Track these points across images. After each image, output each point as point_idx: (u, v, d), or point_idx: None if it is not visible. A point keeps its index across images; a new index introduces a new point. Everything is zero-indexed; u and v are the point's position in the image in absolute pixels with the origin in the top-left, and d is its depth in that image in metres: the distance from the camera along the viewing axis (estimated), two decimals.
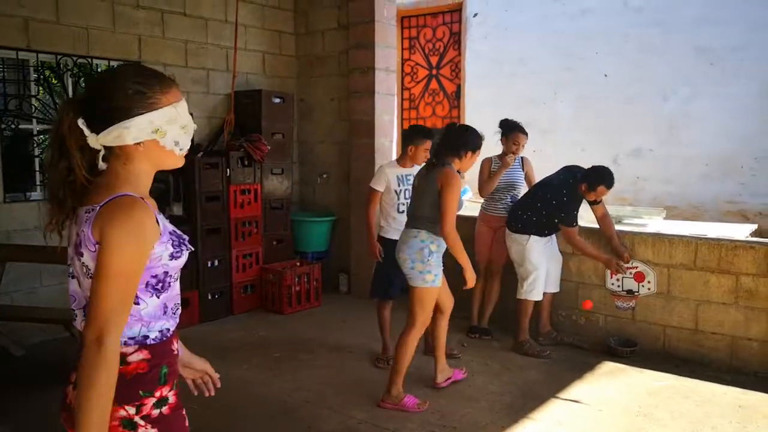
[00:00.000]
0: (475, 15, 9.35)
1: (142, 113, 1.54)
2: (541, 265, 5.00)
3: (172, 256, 1.60)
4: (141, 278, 1.54)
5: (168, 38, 5.97)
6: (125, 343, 1.55)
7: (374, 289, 4.89)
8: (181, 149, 1.64)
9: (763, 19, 7.26)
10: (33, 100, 5.28)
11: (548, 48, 8.65)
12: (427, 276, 3.97)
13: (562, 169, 5.15)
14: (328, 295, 6.51)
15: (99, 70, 5.61)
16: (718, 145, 7.54)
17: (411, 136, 4.76)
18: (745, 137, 7.38)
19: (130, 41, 5.67)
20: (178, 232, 1.65)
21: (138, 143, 1.56)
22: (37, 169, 5.33)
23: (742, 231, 5.40)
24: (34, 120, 5.25)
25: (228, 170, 5.98)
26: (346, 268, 6.74)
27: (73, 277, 1.62)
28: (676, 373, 4.59)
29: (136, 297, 1.54)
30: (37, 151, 5.31)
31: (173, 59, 6.00)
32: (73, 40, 5.29)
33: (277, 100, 6.61)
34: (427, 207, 3.93)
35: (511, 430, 3.74)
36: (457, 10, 9.59)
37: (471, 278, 4.07)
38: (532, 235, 4.96)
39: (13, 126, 5.08)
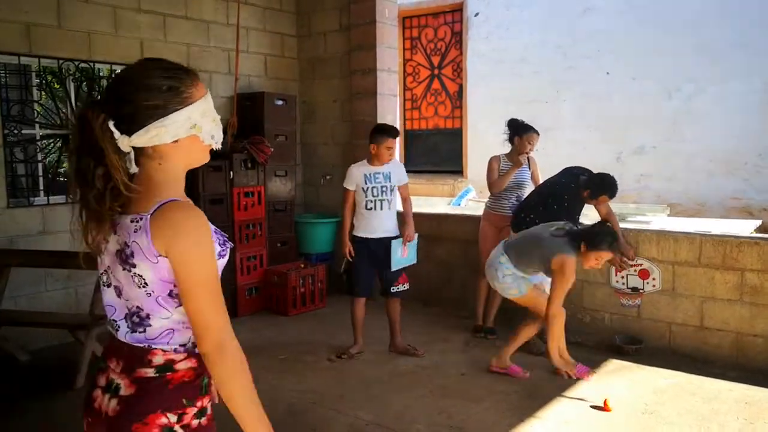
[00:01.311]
0: (477, 14, 9.36)
1: (179, 109, 1.49)
2: None
3: (219, 255, 1.56)
4: (170, 287, 1.51)
5: (170, 42, 5.99)
6: (175, 350, 1.53)
7: (350, 287, 5.00)
8: (216, 142, 1.60)
9: (764, 16, 7.25)
10: (36, 106, 5.29)
11: (550, 47, 8.65)
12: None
13: (563, 170, 5.09)
14: (333, 296, 6.50)
15: (101, 74, 5.63)
16: (721, 141, 7.53)
17: (372, 134, 4.92)
18: (748, 133, 7.38)
19: (132, 45, 5.68)
20: (219, 230, 1.62)
21: (175, 141, 1.51)
22: (41, 174, 5.34)
23: (746, 227, 5.40)
24: (37, 125, 5.26)
25: (231, 173, 5.99)
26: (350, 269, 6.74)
27: (109, 285, 1.56)
28: (681, 371, 4.58)
29: (165, 309, 1.52)
30: (40, 156, 5.32)
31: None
32: (75, 44, 5.30)
33: (280, 102, 6.61)
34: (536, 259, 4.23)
35: (517, 429, 3.73)
36: (459, 10, 9.60)
37: None
38: None
39: (16, 131, 5.09)
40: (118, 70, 5.78)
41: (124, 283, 1.52)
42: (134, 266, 1.47)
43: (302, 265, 6.43)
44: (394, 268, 4.84)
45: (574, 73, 8.47)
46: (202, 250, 1.46)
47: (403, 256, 4.92)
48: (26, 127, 5.19)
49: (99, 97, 1.53)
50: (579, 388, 4.30)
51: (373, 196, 4.83)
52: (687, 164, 7.73)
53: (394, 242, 4.83)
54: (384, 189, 4.86)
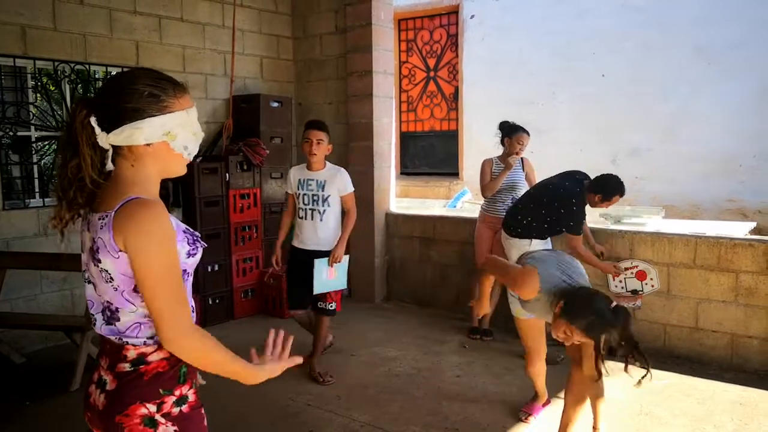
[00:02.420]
0: (473, 17, 9.38)
1: (156, 115, 1.58)
2: None
3: (189, 254, 1.64)
4: (135, 283, 1.58)
5: (165, 44, 5.98)
6: (144, 343, 1.60)
7: (288, 300, 4.73)
8: (189, 154, 1.67)
9: (761, 18, 7.28)
10: (31, 108, 5.29)
11: (546, 48, 8.67)
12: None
13: (563, 174, 4.94)
14: None
15: (97, 76, 5.62)
16: (717, 143, 7.55)
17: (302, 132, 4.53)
18: (744, 135, 7.40)
19: (127, 47, 5.68)
20: (191, 229, 1.69)
21: (148, 144, 1.58)
22: (36, 176, 5.34)
23: (741, 229, 5.42)
24: (32, 127, 5.26)
25: (227, 175, 5.99)
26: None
27: (89, 282, 1.66)
28: (676, 372, 4.60)
29: (131, 304, 1.59)
30: (35, 158, 5.31)
31: (171, 65, 6.00)
32: (71, 46, 5.29)
33: (276, 104, 6.61)
34: None
35: (513, 430, 3.74)
36: (454, 12, 9.62)
37: None
38: (533, 239, 4.83)
39: (11, 133, 5.08)
40: (114, 72, 5.80)
41: (96, 278, 1.61)
42: (100, 261, 1.56)
43: None
44: (316, 291, 4.35)
45: (570, 75, 8.49)
46: (158, 245, 1.52)
47: (329, 278, 4.40)
48: (21, 129, 5.19)
49: (90, 96, 1.64)
50: None
51: (304, 204, 4.47)
52: (683, 166, 7.76)
53: (318, 261, 4.33)
54: (315, 198, 4.44)
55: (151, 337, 1.60)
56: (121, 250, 1.52)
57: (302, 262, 4.42)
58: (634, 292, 5.04)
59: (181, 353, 1.57)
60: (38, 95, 5.44)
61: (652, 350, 4.95)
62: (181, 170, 1.70)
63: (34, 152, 5.29)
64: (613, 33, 8.16)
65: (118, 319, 1.60)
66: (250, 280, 6.22)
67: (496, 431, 3.73)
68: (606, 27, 8.21)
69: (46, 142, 5.33)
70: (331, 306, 4.46)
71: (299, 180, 4.50)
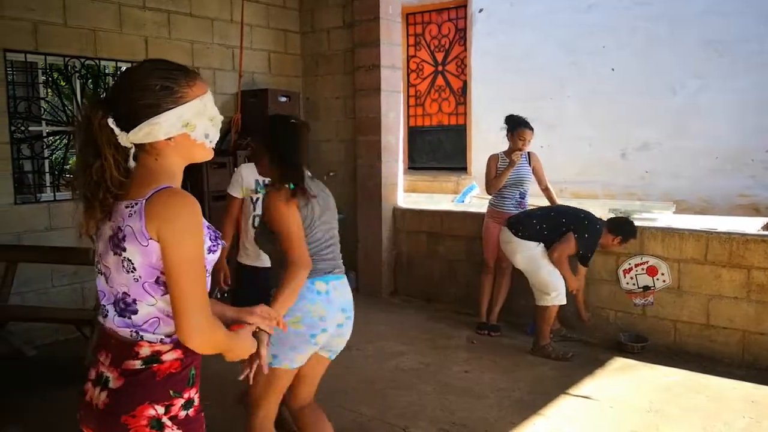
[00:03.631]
0: (481, 10, 9.33)
1: (171, 108, 1.55)
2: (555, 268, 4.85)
3: (210, 250, 1.61)
4: (158, 273, 1.55)
5: (174, 39, 5.99)
6: (161, 341, 1.56)
7: None
8: (210, 141, 1.65)
9: None
10: (42, 103, 5.31)
11: (554, 43, 8.63)
12: None
13: (582, 213, 4.90)
14: None
15: (107, 71, 5.63)
16: (727, 138, 7.50)
17: None
18: (755, 129, 7.34)
19: (136, 42, 5.69)
20: (212, 226, 1.67)
21: (169, 138, 1.56)
22: (47, 171, 5.36)
23: (753, 224, 5.37)
24: (44, 122, 5.28)
25: (235, 169, 5.99)
26: (353, 266, 6.75)
27: (100, 273, 1.62)
28: (687, 369, 4.57)
29: (151, 296, 1.56)
30: (46, 153, 5.34)
31: (180, 59, 5.92)
32: (81, 42, 5.31)
33: (284, 99, 6.61)
34: None
35: (520, 426, 3.73)
36: (463, 6, 9.58)
37: None
38: (541, 243, 4.81)
39: (22, 128, 5.11)
40: (123, 68, 5.81)
41: (113, 268, 1.56)
42: (124, 250, 1.52)
43: None
44: None
45: (579, 70, 8.45)
46: (191, 235, 1.51)
47: None
48: (33, 123, 5.21)
49: (104, 95, 1.61)
50: (583, 386, 4.29)
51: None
52: (692, 161, 7.70)
53: None
54: None
55: (169, 336, 1.57)
56: (151, 239, 1.49)
57: (258, 283, 3.47)
58: (646, 288, 5.02)
59: (202, 346, 1.54)
60: (49, 90, 5.47)
61: (662, 347, 4.94)
62: (207, 156, 1.67)
63: (45, 147, 5.31)
64: (621, 27, 8.11)
65: (135, 312, 1.55)
66: None
67: (503, 427, 3.73)
68: (614, 21, 8.16)
69: (57, 137, 5.35)
70: None
71: (256, 180, 3.62)
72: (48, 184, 5.36)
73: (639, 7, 7.98)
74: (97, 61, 5.45)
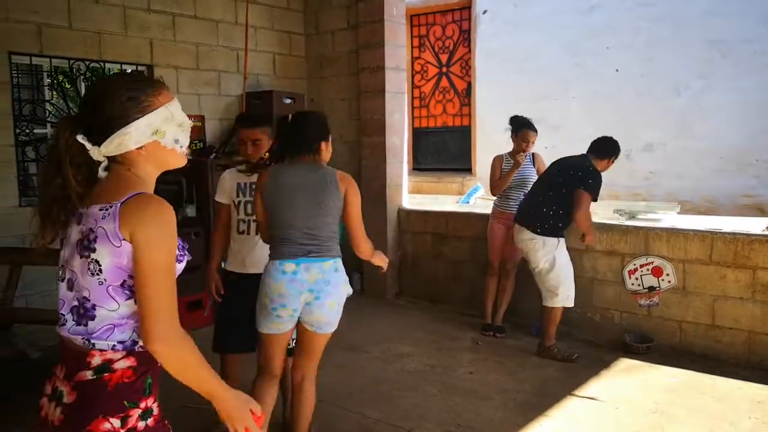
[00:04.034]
0: (485, 12, 9.33)
1: (139, 117, 1.56)
2: (571, 268, 4.84)
3: (177, 259, 1.61)
4: (125, 277, 1.55)
5: (179, 41, 6.01)
6: (113, 348, 1.53)
7: (214, 338, 3.55)
8: (181, 146, 1.66)
9: None
10: (47, 105, 5.33)
11: (558, 44, 8.62)
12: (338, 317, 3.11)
13: (562, 167, 4.87)
14: None
15: (111, 74, 5.65)
16: (732, 138, 7.48)
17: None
18: (759, 130, 7.33)
19: (141, 45, 5.70)
20: (180, 239, 1.67)
21: (140, 147, 1.58)
22: None
23: (758, 225, 5.35)
24: (49, 125, 5.30)
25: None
26: (358, 267, 6.75)
27: (63, 280, 1.62)
28: (692, 369, 4.56)
29: (114, 301, 1.54)
30: None
31: (185, 62, 6.03)
32: (86, 44, 5.33)
33: (288, 101, 6.62)
34: (334, 222, 3.04)
35: (526, 427, 3.73)
36: (467, 8, 9.58)
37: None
38: (561, 238, 4.78)
39: (27, 131, 5.12)
40: (129, 70, 5.83)
41: (78, 272, 1.56)
42: (93, 251, 1.52)
43: None
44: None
45: (583, 70, 8.44)
46: (165, 241, 1.53)
47: None
48: (38, 126, 5.24)
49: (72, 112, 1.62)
50: (589, 387, 4.29)
51: (246, 214, 3.47)
52: (697, 161, 7.69)
53: None
54: None
55: (122, 342, 1.54)
56: (124, 239, 1.50)
57: (243, 291, 3.32)
58: (651, 288, 5.01)
59: (168, 355, 1.50)
60: (54, 93, 5.49)
61: (667, 347, 4.92)
62: (180, 162, 1.69)
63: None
64: (625, 28, 8.10)
65: (93, 318, 1.54)
66: None
67: (509, 428, 3.72)
68: (617, 22, 8.15)
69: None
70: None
71: (238, 185, 3.52)
72: None
73: (642, 8, 7.97)
74: (102, 64, 5.47)
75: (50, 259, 1.73)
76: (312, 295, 2.91)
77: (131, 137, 1.56)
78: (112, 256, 1.51)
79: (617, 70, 8.21)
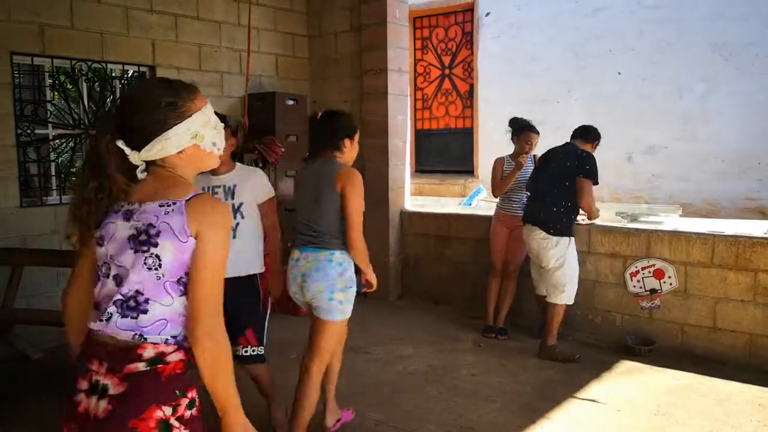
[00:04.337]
0: (488, 14, 9.34)
1: (178, 122, 1.62)
2: (578, 267, 4.87)
3: None
4: (182, 273, 1.61)
5: (181, 42, 6.01)
6: (166, 342, 1.58)
7: None
8: (218, 149, 1.73)
9: None
10: (49, 106, 5.33)
11: (561, 46, 8.63)
12: (347, 307, 3.23)
13: (558, 157, 4.92)
14: None
15: (113, 74, 5.66)
16: (734, 141, 7.48)
17: None
18: (761, 133, 7.32)
19: (143, 45, 5.71)
20: None
21: (180, 151, 1.64)
22: (54, 174, 5.38)
23: (760, 227, 5.34)
24: (50, 125, 5.30)
25: None
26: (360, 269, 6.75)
27: (107, 276, 1.62)
28: (694, 372, 4.55)
29: (169, 296, 1.59)
30: (53, 156, 5.36)
31: (187, 63, 6.03)
32: (88, 45, 5.33)
33: (291, 102, 6.62)
34: (333, 217, 3.16)
35: (528, 429, 3.72)
36: (470, 10, 9.59)
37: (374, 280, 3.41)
38: (572, 237, 4.80)
39: (29, 131, 5.13)
40: (131, 71, 5.84)
41: (129, 266, 1.57)
42: (155, 246, 1.56)
43: None
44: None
45: (586, 73, 8.44)
46: (224, 243, 1.61)
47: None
48: (39, 126, 5.23)
49: (110, 119, 1.70)
50: (590, 389, 4.28)
51: None
52: (699, 164, 7.68)
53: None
54: None
55: (175, 336, 1.58)
56: (191, 236, 1.56)
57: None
58: (653, 291, 5.00)
59: (212, 350, 1.54)
60: (56, 93, 5.49)
61: (669, 350, 4.92)
62: (215, 164, 1.76)
63: (51, 150, 5.33)
64: (628, 30, 8.10)
65: (145, 312, 1.56)
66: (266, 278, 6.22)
67: (510, 430, 3.71)
68: (621, 25, 8.15)
69: (64, 140, 5.37)
70: (255, 350, 3.44)
71: (204, 189, 3.35)
72: (54, 188, 5.38)
73: (645, 11, 7.97)
74: (104, 64, 5.48)
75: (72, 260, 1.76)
76: (303, 279, 3.17)
77: (172, 142, 1.62)
78: (175, 252, 1.56)
79: (620, 73, 8.21)
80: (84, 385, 1.59)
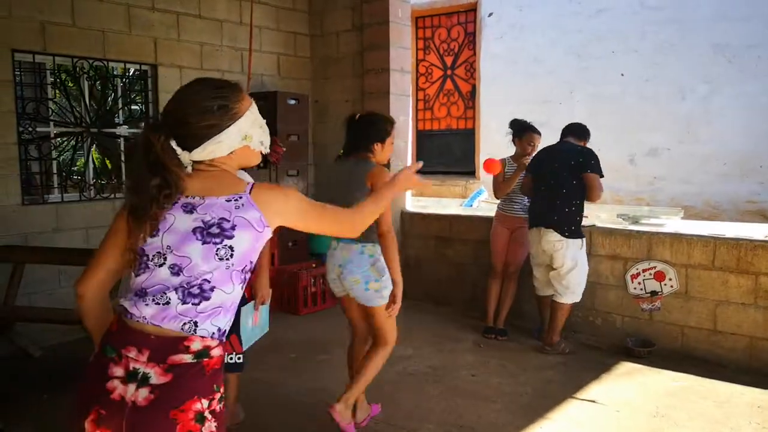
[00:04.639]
0: (490, 15, 9.34)
1: (230, 125, 1.68)
2: (587, 266, 4.93)
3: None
4: (247, 262, 1.68)
5: (183, 40, 6.01)
6: (212, 336, 1.62)
7: None
8: (265, 147, 1.80)
9: None
10: (50, 104, 5.33)
11: (564, 47, 8.62)
12: (384, 293, 3.41)
13: (548, 150, 5.01)
14: None
15: (115, 72, 5.66)
16: (736, 143, 7.47)
17: None
18: (764, 135, 7.32)
19: (145, 44, 5.71)
20: None
21: (231, 152, 1.71)
22: (55, 172, 5.38)
23: (761, 230, 5.34)
24: (52, 123, 5.31)
25: None
26: None
27: (161, 265, 1.63)
28: (694, 374, 4.55)
29: (232, 284, 1.65)
30: (54, 154, 5.36)
31: (188, 61, 6.03)
32: (90, 43, 5.33)
33: (293, 102, 6.62)
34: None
35: (527, 430, 3.72)
36: (472, 10, 9.59)
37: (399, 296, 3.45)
38: (583, 238, 4.84)
39: (30, 129, 5.13)
40: (132, 69, 5.84)
41: (198, 257, 1.61)
42: (230, 237, 1.62)
43: (313, 265, 6.44)
44: (245, 346, 3.48)
45: (588, 74, 8.44)
46: (294, 199, 1.75)
47: (254, 324, 3.60)
48: (41, 124, 5.24)
49: (159, 119, 1.72)
50: (590, 390, 4.28)
51: None
52: (701, 166, 7.68)
53: (243, 309, 3.41)
54: None
55: (219, 329, 1.64)
56: (267, 226, 1.66)
57: None
58: (653, 293, 5.00)
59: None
60: (57, 91, 5.49)
61: (669, 352, 4.91)
62: (258, 160, 1.82)
63: (52, 148, 5.33)
64: (631, 32, 8.10)
65: (208, 298, 1.61)
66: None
67: (511, 430, 3.71)
68: (623, 26, 8.15)
69: (65, 138, 5.37)
70: (238, 357, 3.41)
71: None
72: (55, 186, 5.38)
73: (648, 12, 7.97)
74: (105, 62, 5.48)
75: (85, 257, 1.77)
76: (341, 269, 3.43)
77: (224, 144, 1.68)
78: (252, 241, 1.64)
79: (622, 74, 8.21)
80: (119, 371, 1.57)
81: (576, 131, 5.06)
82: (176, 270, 1.62)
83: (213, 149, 1.67)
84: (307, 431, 3.73)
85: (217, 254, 1.61)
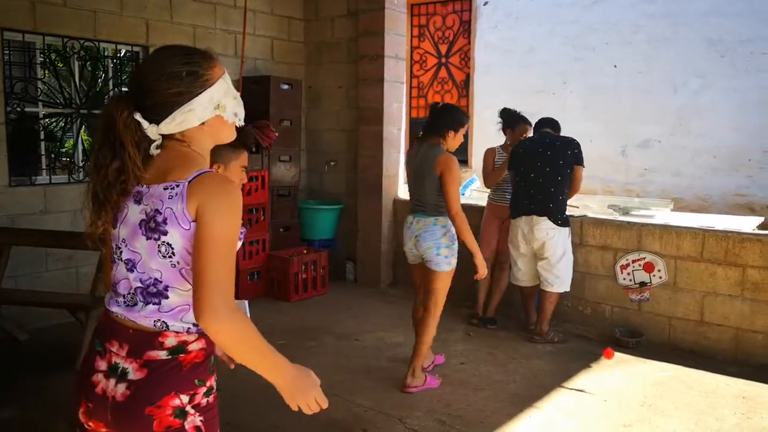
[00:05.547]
0: (486, 3, 9.29)
1: (200, 92, 1.54)
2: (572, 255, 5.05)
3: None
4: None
5: (176, 23, 5.95)
6: (188, 330, 1.53)
7: None
8: (239, 119, 1.65)
9: None
10: (39, 84, 5.27)
11: (558, 38, 8.60)
12: (452, 260, 4.00)
13: (533, 140, 5.10)
14: (335, 283, 6.50)
15: (106, 53, 5.59)
16: (726, 137, 7.49)
17: None
18: (754, 130, 7.34)
19: (137, 25, 5.64)
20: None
21: (202, 123, 1.56)
22: (43, 153, 5.33)
23: (749, 223, 5.38)
24: (40, 103, 5.25)
25: None
26: (352, 256, 6.74)
27: (121, 260, 1.56)
28: (680, 364, 4.58)
29: (186, 281, 1.52)
30: (43, 135, 5.30)
31: (182, 43, 5.96)
32: (81, 23, 5.26)
33: (286, 87, 6.58)
34: (432, 192, 3.95)
35: (516, 418, 3.74)
36: None
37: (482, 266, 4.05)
38: (570, 227, 4.94)
39: (18, 109, 5.07)
40: (123, 51, 5.77)
41: (144, 253, 1.51)
42: (165, 233, 1.48)
43: (305, 251, 6.42)
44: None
45: (582, 65, 8.42)
46: (231, 216, 1.47)
47: None
48: (29, 105, 5.18)
49: (125, 91, 1.58)
50: (578, 379, 4.30)
51: None
52: (692, 159, 7.70)
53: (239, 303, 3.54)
54: None
55: (195, 324, 1.52)
56: (193, 221, 1.45)
57: None
58: (642, 284, 5.02)
59: (223, 330, 1.42)
60: (46, 71, 5.42)
61: (656, 342, 4.95)
62: (232, 136, 1.67)
63: (41, 129, 5.28)
64: (625, 24, 8.08)
65: (166, 298, 1.51)
66: (256, 263, 6.22)
67: (499, 419, 3.73)
68: (618, 18, 8.13)
69: (54, 119, 5.31)
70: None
71: None
72: (44, 167, 5.33)
73: (642, 5, 7.95)
74: (96, 43, 5.41)
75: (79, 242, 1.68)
76: (416, 239, 3.97)
77: (195, 114, 1.54)
78: (183, 239, 1.47)
79: (616, 66, 8.19)
80: (103, 365, 1.55)
81: (553, 124, 5.17)
82: (131, 266, 1.54)
83: (183, 119, 1.52)
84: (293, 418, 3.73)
85: (159, 251, 1.49)
